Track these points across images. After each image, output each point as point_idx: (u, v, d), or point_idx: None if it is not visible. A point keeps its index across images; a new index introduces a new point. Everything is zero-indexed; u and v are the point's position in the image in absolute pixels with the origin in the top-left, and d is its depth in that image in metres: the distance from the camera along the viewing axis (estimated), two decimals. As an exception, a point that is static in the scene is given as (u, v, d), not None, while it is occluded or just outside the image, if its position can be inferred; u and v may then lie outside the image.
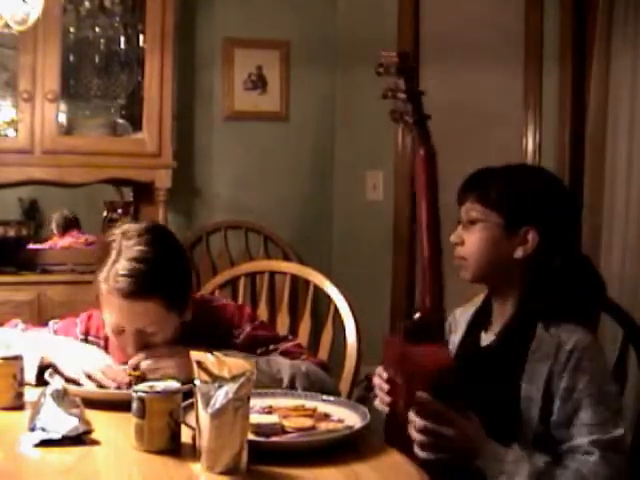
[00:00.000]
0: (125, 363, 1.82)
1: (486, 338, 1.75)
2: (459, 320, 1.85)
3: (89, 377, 1.78)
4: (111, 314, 1.81)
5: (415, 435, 1.52)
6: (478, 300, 1.83)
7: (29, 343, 1.88)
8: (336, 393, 1.90)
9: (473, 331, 1.78)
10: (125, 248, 1.81)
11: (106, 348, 1.94)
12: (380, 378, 1.67)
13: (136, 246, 1.81)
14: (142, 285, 1.76)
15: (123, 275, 1.77)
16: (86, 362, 1.80)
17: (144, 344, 1.81)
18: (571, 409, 1.57)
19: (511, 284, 1.70)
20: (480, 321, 1.78)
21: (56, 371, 1.83)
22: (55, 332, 2.03)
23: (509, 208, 1.67)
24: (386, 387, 1.65)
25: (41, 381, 1.79)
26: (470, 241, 1.71)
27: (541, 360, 1.60)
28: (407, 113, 1.69)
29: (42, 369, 1.83)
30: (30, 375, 1.81)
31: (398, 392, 1.61)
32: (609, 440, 1.56)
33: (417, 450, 1.52)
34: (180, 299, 1.85)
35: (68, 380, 1.79)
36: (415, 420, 1.51)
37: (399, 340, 1.61)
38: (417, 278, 1.68)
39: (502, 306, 1.73)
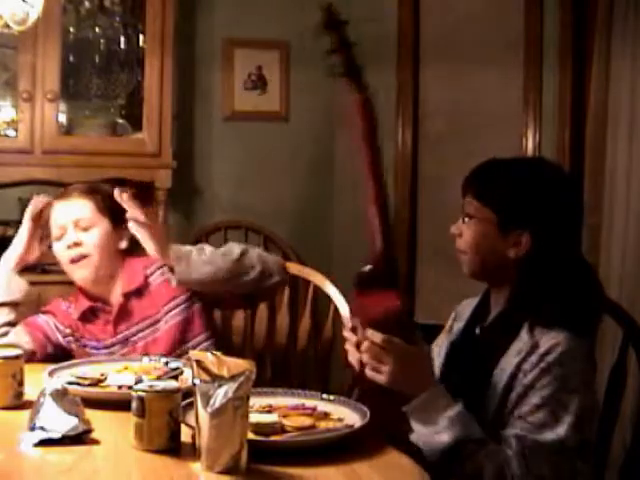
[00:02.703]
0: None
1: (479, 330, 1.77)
2: (464, 310, 1.87)
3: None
4: (54, 220, 2.19)
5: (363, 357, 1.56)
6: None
7: None
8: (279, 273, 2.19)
9: (472, 321, 1.81)
10: None
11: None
12: (347, 331, 1.66)
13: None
14: (79, 188, 2.24)
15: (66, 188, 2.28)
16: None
17: (81, 240, 2.15)
18: (520, 403, 1.57)
19: (506, 281, 1.71)
20: (479, 313, 1.80)
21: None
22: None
23: (504, 208, 1.67)
24: (354, 339, 1.62)
25: None
26: (466, 235, 1.72)
27: (513, 356, 1.61)
28: (339, 66, 1.72)
29: None
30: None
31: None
32: (534, 442, 1.53)
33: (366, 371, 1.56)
34: (114, 213, 2.17)
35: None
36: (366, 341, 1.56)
37: (354, 292, 1.67)
38: (366, 230, 1.78)
39: (497, 301, 1.74)
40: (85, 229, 2.16)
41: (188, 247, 2.10)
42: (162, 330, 2.14)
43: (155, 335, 2.14)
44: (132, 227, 2.08)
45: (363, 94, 1.67)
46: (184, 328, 2.15)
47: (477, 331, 1.77)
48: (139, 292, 2.17)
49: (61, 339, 2.20)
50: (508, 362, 1.61)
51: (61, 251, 2.18)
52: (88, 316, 2.20)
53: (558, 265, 1.66)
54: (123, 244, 2.22)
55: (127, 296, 2.17)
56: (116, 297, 2.18)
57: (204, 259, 2.07)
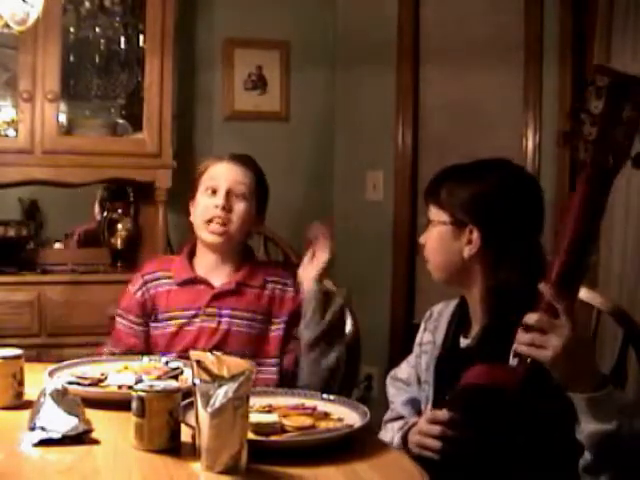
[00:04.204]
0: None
1: (464, 340, 1.76)
2: (439, 319, 1.86)
3: None
4: (210, 175, 2.19)
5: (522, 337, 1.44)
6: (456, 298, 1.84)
7: None
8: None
9: (453, 331, 1.80)
10: None
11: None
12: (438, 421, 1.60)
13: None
14: (244, 158, 2.23)
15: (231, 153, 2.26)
16: None
17: (232, 207, 2.14)
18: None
19: (472, 284, 1.72)
20: (458, 320, 1.80)
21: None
22: (123, 310, 2.22)
23: (455, 206, 1.70)
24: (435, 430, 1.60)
25: None
26: (428, 241, 1.76)
27: None
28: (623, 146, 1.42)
29: None
30: None
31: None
32: None
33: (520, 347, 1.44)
34: (262, 198, 2.23)
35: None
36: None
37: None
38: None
39: (473, 307, 1.74)
40: (237, 198, 2.16)
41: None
42: (252, 330, 2.14)
43: (245, 330, 2.13)
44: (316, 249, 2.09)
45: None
46: (273, 343, 2.15)
47: (464, 343, 1.75)
48: (249, 288, 2.17)
49: (141, 329, 2.19)
50: None
51: (206, 207, 2.16)
52: (185, 284, 2.18)
53: (510, 261, 1.66)
54: (254, 229, 2.27)
55: (238, 285, 2.16)
56: (224, 278, 2.18)
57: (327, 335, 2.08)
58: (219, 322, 2.13)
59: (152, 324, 2.18)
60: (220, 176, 2.18)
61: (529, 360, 1.44)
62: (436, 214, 1.73)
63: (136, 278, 2.24)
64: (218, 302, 2.15)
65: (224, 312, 2.14)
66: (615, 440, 1.43)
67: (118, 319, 2.23)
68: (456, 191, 1.71)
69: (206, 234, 2.16)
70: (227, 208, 2.15)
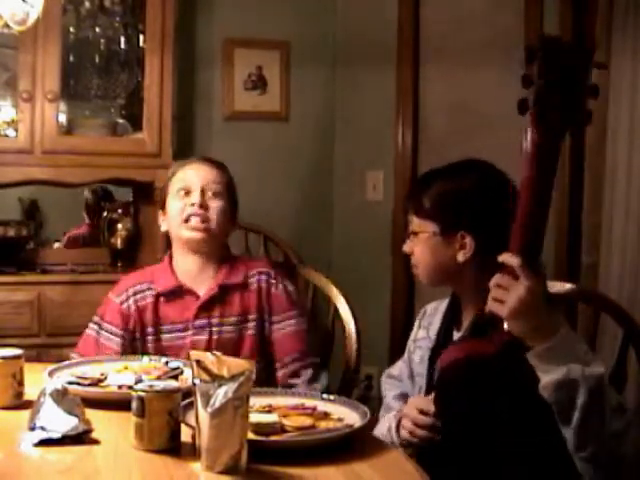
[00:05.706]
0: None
1: (457, 334, 1.78)
2: (433, 316, 1.89)
3: None
4: (180, 180, 2.17)
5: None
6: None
7: None
8: None
9: (446, 325, 1.82)
10: None
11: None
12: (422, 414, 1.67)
13: None
14: (210, 160, 2.25)
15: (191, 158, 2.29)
16: None
17: (208, 205, 2.13)
18: None
19: (466, 285, 1.74)
20: (451, 317, 1.82)
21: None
22: (102, 318, 2.17)
23: (441, 216, 1.71)
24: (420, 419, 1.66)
25: None
26: (416, 251, 1.77)
27: None
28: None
29: None
30: None
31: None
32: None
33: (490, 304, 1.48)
34: (234, 199, 2.24)
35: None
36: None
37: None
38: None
39: (466, 304, 1.76)
40: (213, 196, 2.15)
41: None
42: (245, 331, 2.14)
43: (236, 335, 2.13)
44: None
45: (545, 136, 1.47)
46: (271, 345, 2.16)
47: (456, 336, 1.77)
48: (233, 289, 2.15)
49: (121, 342, 2.14)
50: None
51: (180, 208, 2.14)
52: (170, 295, 2.15)
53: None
54: (231, 228, 2.24)
55: (222, 288, 2.14)
56: (208, 284, 2.15)
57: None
58: (210, 332, 2.12)
59: (138, 337, 2.15)
60: (192, 177, 2.17)
61: (505, 327, 1.48)
62: (422, 225, 1.74)
63: (119, 289, 2.19)
64: (206, 313, 2.13)
65: (214, 321, 2.13)
66: (566, 386, 1.44)
67: (95, 327, 2.18)
68: (439, 200, 1.72)
69: (186, 232, 2.13)
70: (204, 206, 2.13)
